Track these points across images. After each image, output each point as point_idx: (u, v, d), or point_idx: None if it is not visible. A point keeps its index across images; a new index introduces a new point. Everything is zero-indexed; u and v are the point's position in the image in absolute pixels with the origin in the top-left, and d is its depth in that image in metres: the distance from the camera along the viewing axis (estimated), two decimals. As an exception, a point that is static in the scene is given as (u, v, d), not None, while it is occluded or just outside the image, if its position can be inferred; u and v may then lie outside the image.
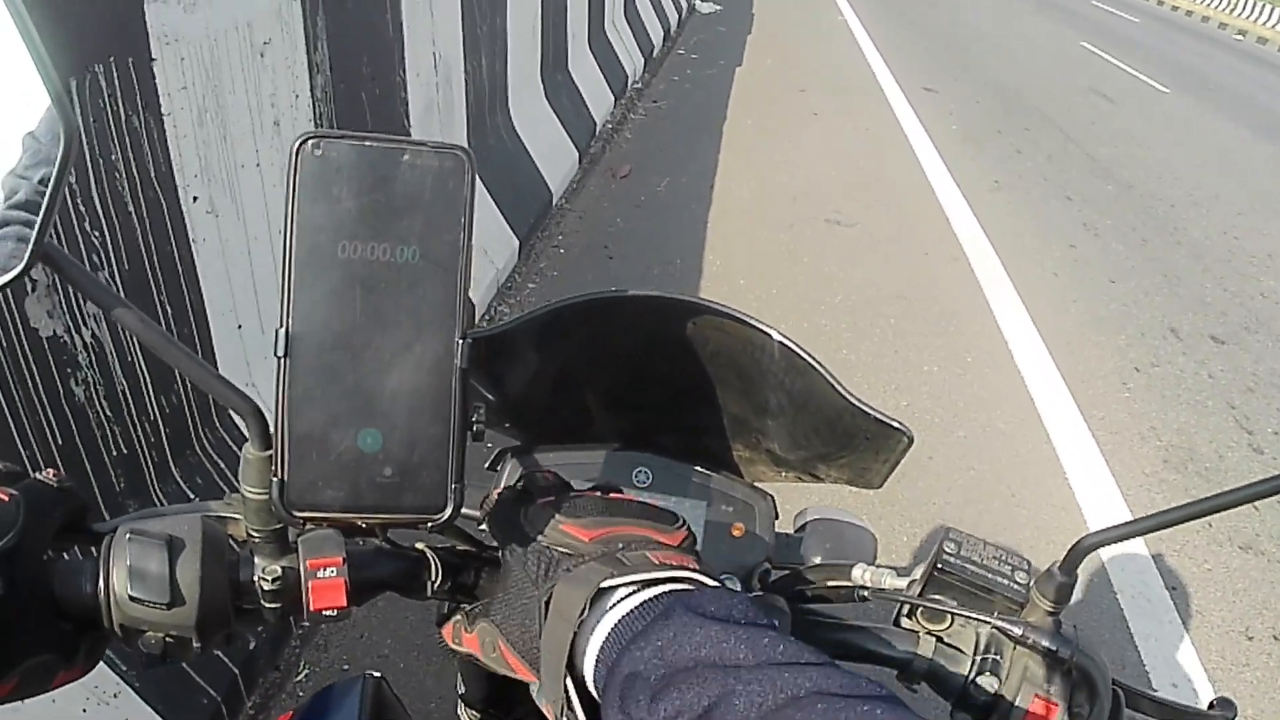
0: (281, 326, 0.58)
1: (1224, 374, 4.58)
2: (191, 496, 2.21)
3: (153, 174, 2.06)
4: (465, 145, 0.63)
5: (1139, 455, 3.84)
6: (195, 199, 2.24)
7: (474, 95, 4.18)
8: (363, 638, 2.52)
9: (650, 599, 0.59)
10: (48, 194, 0.53)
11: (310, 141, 0.58)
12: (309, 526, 0.68)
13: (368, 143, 0.59)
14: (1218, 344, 4.87)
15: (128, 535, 0.64)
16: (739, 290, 4.59)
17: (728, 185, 5.99)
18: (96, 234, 1.89)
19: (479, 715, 1.24)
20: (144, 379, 2.05)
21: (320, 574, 0.65)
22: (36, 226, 0.53)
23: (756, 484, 0.96)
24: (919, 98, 8.95)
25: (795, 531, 0.99)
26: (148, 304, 2.08)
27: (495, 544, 0.87)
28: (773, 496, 0.94)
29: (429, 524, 0.63)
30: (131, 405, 2.02)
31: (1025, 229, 6.00)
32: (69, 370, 1.82)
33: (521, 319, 0.80)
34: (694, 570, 0.63)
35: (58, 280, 1.79)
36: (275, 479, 0.60)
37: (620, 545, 0.66)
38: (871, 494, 3.26)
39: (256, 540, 0.67)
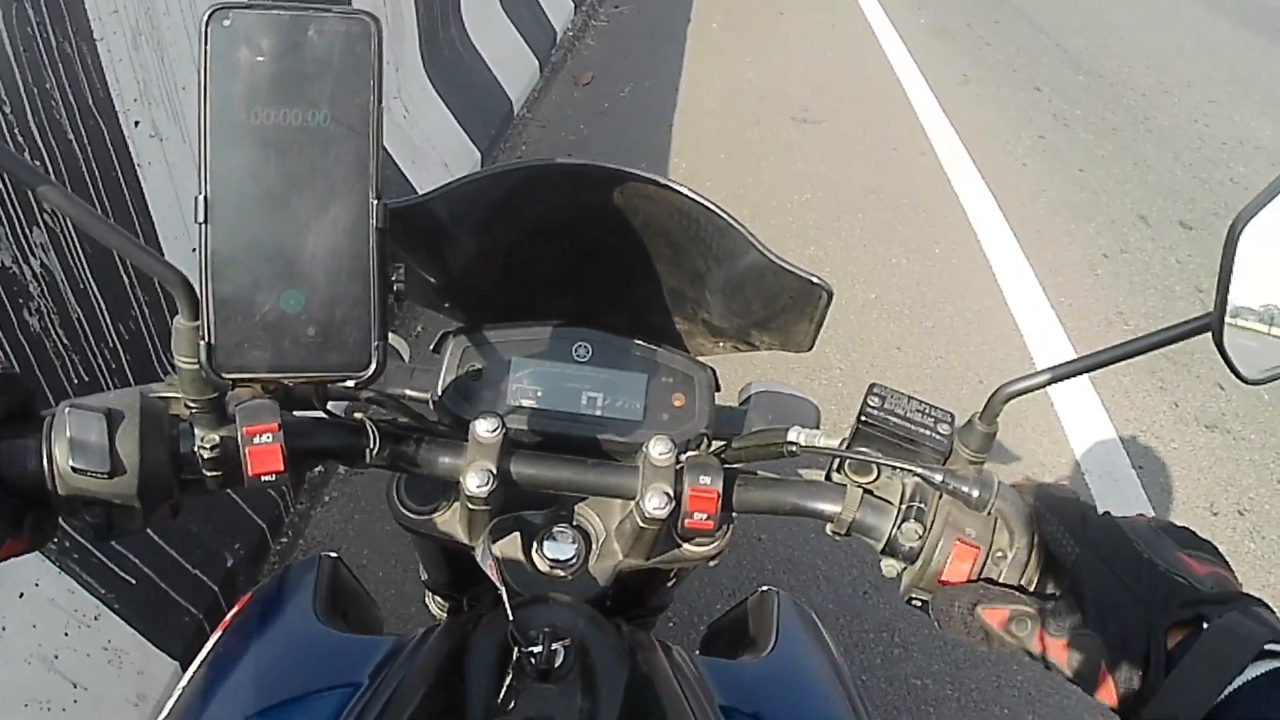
0: (200, 193, 0.60)
1: (1192, 259, 4.57)
2: None
3: (90, 101, 2.02)
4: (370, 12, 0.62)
5: (1105, 339, 3.84)
6: (137, 124, 2.20)
7: (424, 8, 4.07)
8: (341, 549, 2.51)
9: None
10: None
11: (219, 12, 0.59)
12: (252, 390, 0.70)
13: (275, 11, 0.59)
14: (1186, 229, 4.85)
15: (67, 409, 0.67)
16: (706, 191, 4.37)
17: (693, 88, 5.87)
18: (37, 163, 1.85)
19: (445, 600, 1.30)
20: (99, 306, 2.02)
21: (257, 440, 0.68)
22: None
23: (697, 357, 0.97)
24: (887, -7, 8.79)
25: (739, 405, 1.01)
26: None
27: (442, 422, 0.90)
28: (713, 369, 0.95)
29: (354, 382, 0.65)
30: (89, 332, 2.00)
31: (994, 121, 5.93)
32: (20, 301, 1.79)
33: (440, 190, 0.80)
34: None
35: (3, 211, 1.75)
36: (203, 342, 0.62)
37: (1219, 588, 0.67)
38: (840, 384, 3.26)
39: (194, 411, 0.70)
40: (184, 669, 1.95)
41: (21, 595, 1.68)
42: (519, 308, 0.95)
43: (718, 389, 0.95)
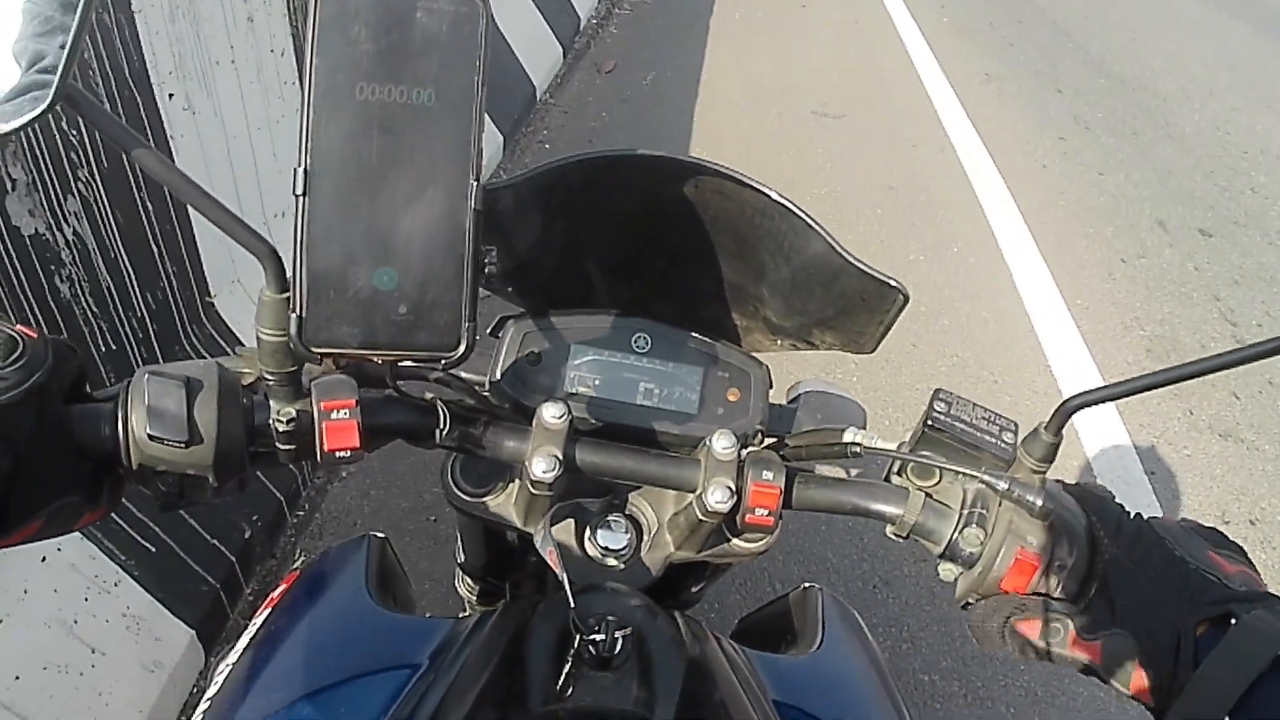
0: (300, 165, 0.60)
1: (1210, 267, 4.55)
2: None
3: (127, 72, 2.03)
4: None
5: (1122, 344, 3.84)
6: (171, 96, 2.21)
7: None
8: (356, 525, 2.54)
9: None
10: (70, 38, 0.54)
11: None
12: (324, 366, 0.70)
13: None
14: (1205, 237, 4.83)
15: (146, 376, 0.67)
16: None
17: (714, 79, 5.86)
18: (74, 133, 1.87)
19: (477, 583, 1.31)
20: (129, 275, 2.04)
21: (334, 415, 0.69)
22: (60, 69, 0.54)
23: (753, 353, 0.96)
24: (911, -10, 8.75)
25: (789, 403, 1.00)
26: (128, 201, 2.06)
27: (502, 405, 0.89)
28: (767, 366, 0.95)
29: (443, 361, 0.65)
30: (118, 301, 2.02)
31: (1015, 121, 5.91)
32: (53, 268, 1.82)
33: (528, 174, 0.80)
34: None
35: (37, 179, 1.77)
36: (294, 315, 0.61)
37: (1248, 588, 0.68)
38: (856, 380, 3.26)
39: (271, 384, 0.69)
40: (200, 638, 2.03)
41: (44, 559, 1.70)
42: (577, 295, 0.95)
43: (771, 385, 0.95)
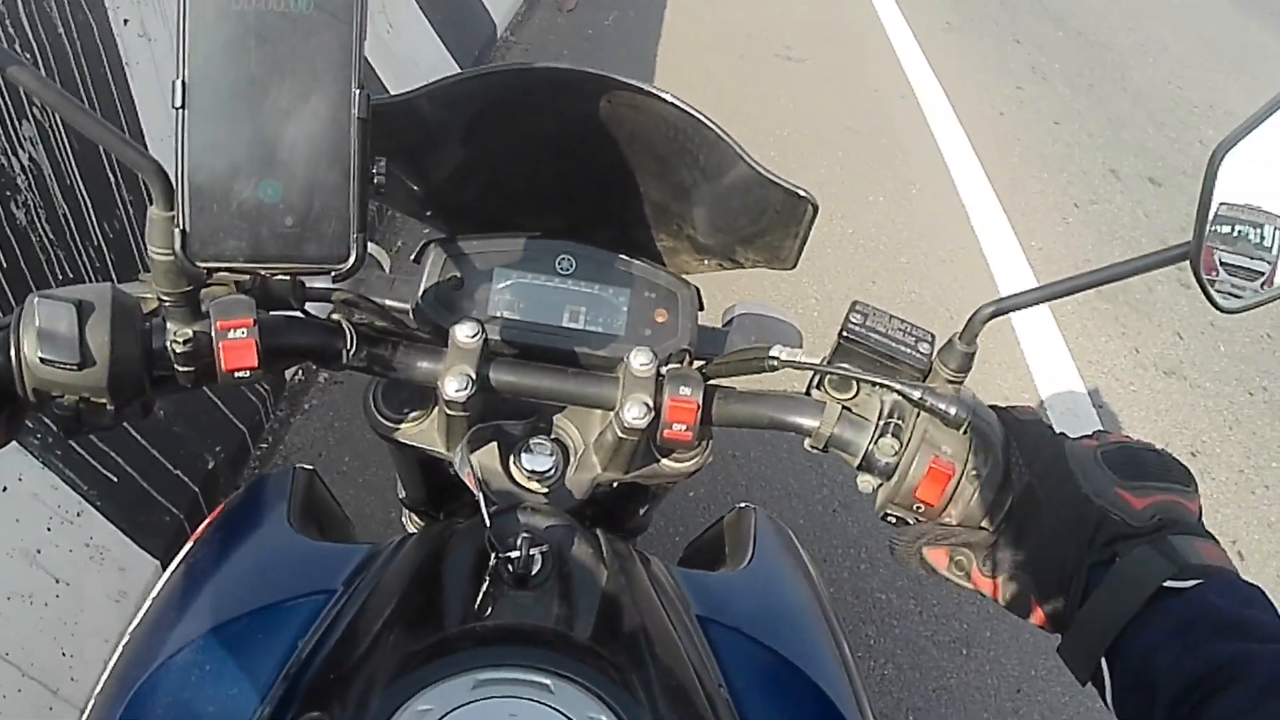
0: (178, 78, 0.59)
1: (1159, 214, 4.67)
2: None
3: None
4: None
5: (1074, 285, 3.93)
6: (126, 21, 2.18)
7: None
8: (321, 455, 2.56)
9: (1194, 591, 0.63)
10: None
11: None
12: (225, 288, 0.71)
13: None
14: (1155, 185, 4.95)
15: (36, 299, 0.66)
16: None
17: (678, 21, 5.83)
18: (28, 55, 1.83)
19: (421, 518, 1.31)
20: (85, 203, 2.01)
21: (231, 335, 0.68)
22: None
23: (682, 275, 0.96)
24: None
25: (723, 325, 1.01)
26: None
27: (421, 329, 0.89)
28: (696, 287, 0.95)
29: (333, 274, 0.64)
30: (74, 229, 1.99)
31: (974, 70, 5.96)
32: (9, 193, 1.78)
33: (428, 87, 0.79)
34: (1229, 563, 0.67)
35: None
36: (178, 230, 0.60)
37: (1160, 519, 0.68)
38: (816, 313, 3.33)
39: (168, 305, 0.68)
40: (164, 568, 2.01)
41: (4, 489, 1.68)
42: (501, 220, 0.94)
43: (701, 308, 0.95)
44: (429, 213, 0.94)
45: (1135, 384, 3.45)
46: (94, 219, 2.05)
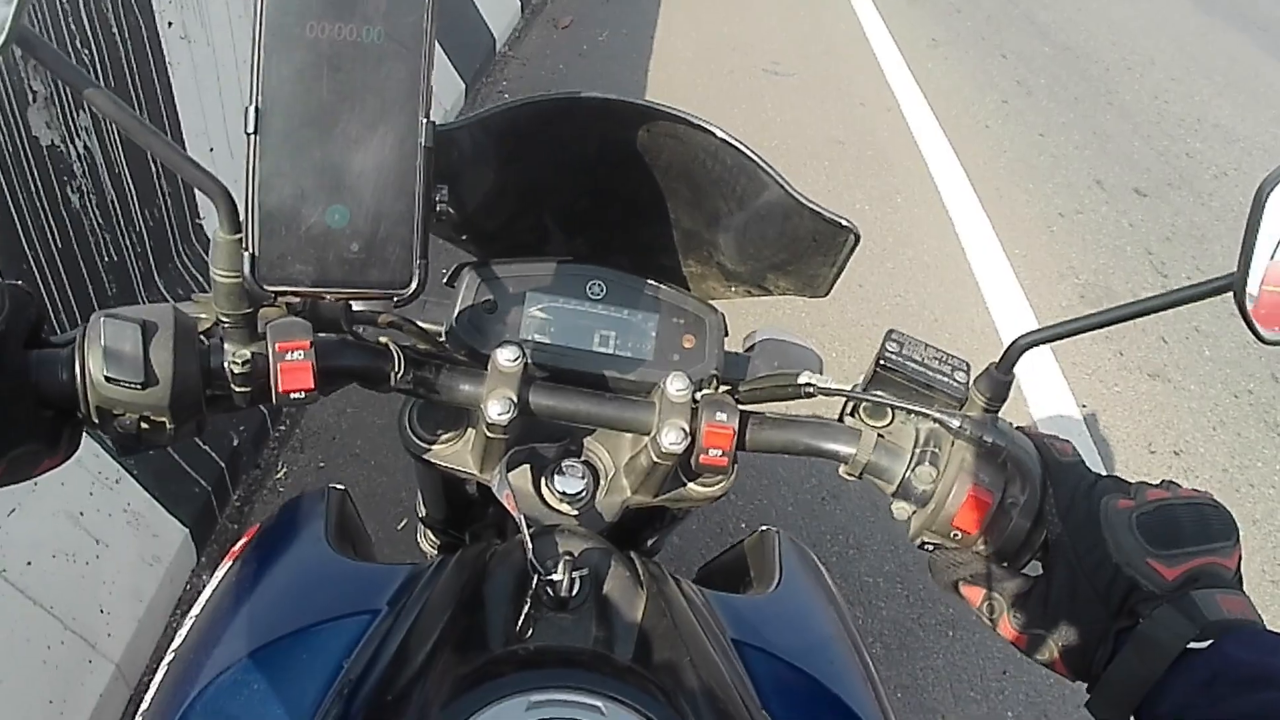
0: (251, 104, 0.60)
1: (1144, 223, 4.70)
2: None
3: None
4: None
5: (1057, 290, 3.97)
6: (170, 24, 2.30)
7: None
8: (335, 439, 2.62)
9: (1213, 648, 0.64)
10: None
11: None
12: (279, 310, 0.72)
13: None
14: (1140, 196, 4.98)
15: (102, 319, 0.67)
16: None
17: (668, 37, 5.92)
18: (86, 52, 1.96)
19: (439, 536, 1.30)
20: (130, 191, 2.14)
21: (289, 356, 0.69)
22: (13, 8, 0.54)
23: (708, 300, 0.97)
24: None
25: (745, 351, 1.00)
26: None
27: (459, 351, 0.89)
28: (723, 313, 0.95)
29: (395, 299, 0.65)
30: (120, 215, 2.11)
31: (960, 84, 6.02)
32: (65, 178, 1.91)
33: (480, 115, 0.80)
34: (1253, 614, 0.66)
35: (54, 93, 1.85)
36: (246, 253, 0.61)
37: (1194, 581, 0.67)
38: (805, 316, 3.35)
39: (227, 326, 0.69)
40: (193, 537, 2.12)
41: None
42: (531, 243, 0.95)
43: (726, 333, 0.95)
44: (464, 236, 0.94)
45: (1119, 386, 3.47)
46: (138, 207, 2.19)
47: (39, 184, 1.81)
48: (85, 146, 1.95)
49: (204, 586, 0.97)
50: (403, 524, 2.39)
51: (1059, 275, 4.08)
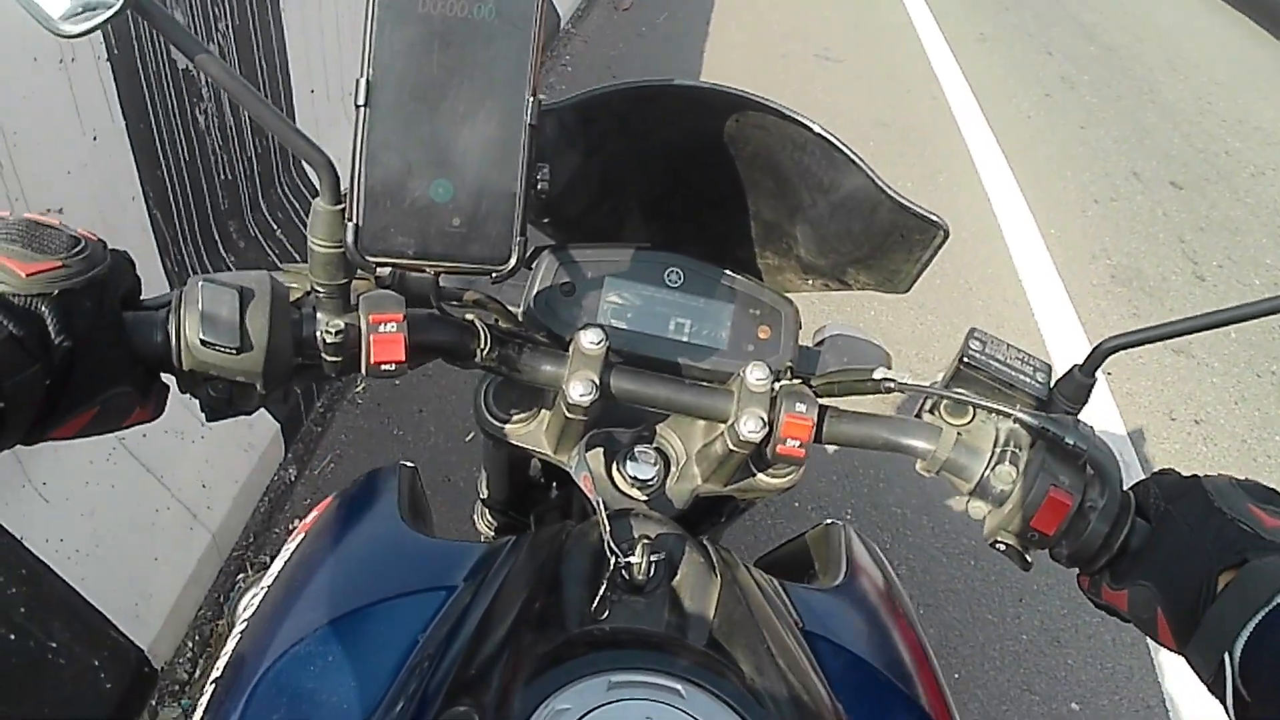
0: (362, 76, 0.60)
1: (1178, 214, 4.85)
2: (274, 228, 2.57)
3: None
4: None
5: (1088, 269, 4.14)
6: None
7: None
8: (397, 384, 2.79)
9: None
10: None
11: None
12: (370, 283, 0.74)
13: None
14: (1176, 189, 5.12)
15: (201, 283, 0.67)
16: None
17: (724, 21, 6.14)
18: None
19: (497, 518, 1.32)
20: (245, 121, 2.40)
21: (382, 329, 0.70)
22: None
23: (784, 293, 0.96)
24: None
25: (815, 345, 1.00)
26: (250, 57, 2.42)
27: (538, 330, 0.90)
28: (797, 306, 0.95)
29: (493, 275, 0.66)
30: (236, 140, 2.36)
31: (1004, 77, 6.19)
32: (195, 100, 2.16)
33: (575, 98, 0.81)
34: None
35: (190, 21, 2.10)
36: (350, 223, 0.62)
37: None
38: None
39: (321, 296, 0.69)
40: (283, 433, 2.41)
41: None
42: (611, 228, 0.96)
43: (799, 326, 0.95)
44: (546, 219, 0.95)
45: (1144, 357, 3.63)
46: (250, 135, 2.44)
47: (174, 103, 2.05)
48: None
49: (271, 551, 1.07)
50: (470, 437, 2.60)
51: (1091, 256, 4.24)
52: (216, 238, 2.33)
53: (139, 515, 1.88)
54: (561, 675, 0.65)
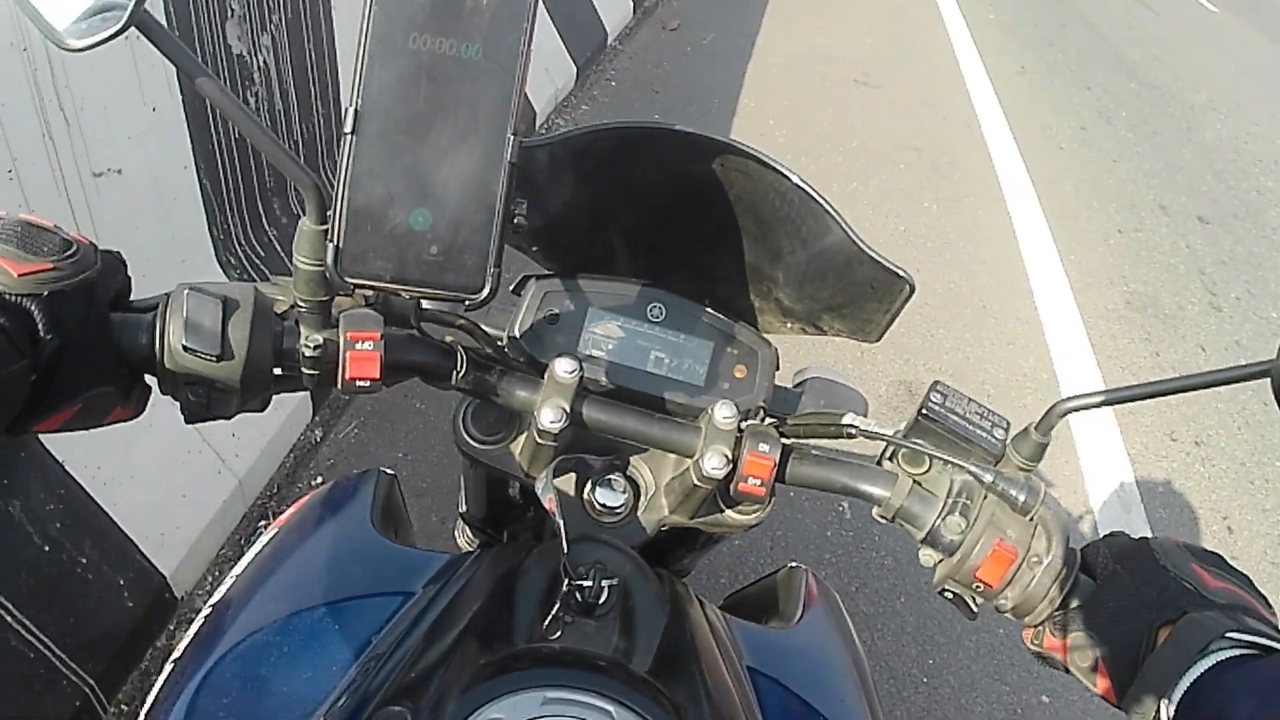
0: (351, 105, 0.63)
1: (1202, 247, 4.96)
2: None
3: None
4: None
5: (1105, 294, 4.26)
6: None
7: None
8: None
9: (1242, 658, 0.65)
10: None
11: None
12: (353, 300, 0.76)
13: None
14: (1202, 224, 5.23)
15: (186, 291, 0.70)
16: (768, 130, 5.01)
17: (768, 44, 6.36)
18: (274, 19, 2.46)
19: (476, 535, 1.35)
20: (293, 106, 2.65)
21: (359, 346, 0.72)
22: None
23: (764, 334, 0.99)
24: (963, -11, 9.16)
25: (794, 387, 1.03)
26: (300, 51, 2.63)
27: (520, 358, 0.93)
28: (776, 349, 0.98)
29: (466, 302, 0.68)
30: (284, 123, 2.60)
31: (1041, 109, 6.34)
32: (247, 84, 2.38)
33: (563, 135, 0.83)
34: None
35: (248, 12, 2.33)
36: (331, 245, 0.64)
37: (1232, 603, 0.70)
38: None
39: (303, 310, 0.72)
40: (312, 397, 2.65)
41: None
42: (600, 261, 0.98)
43: (778, 368, 0.97)
44: (535, 248, 0.97)
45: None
46: (298, 118, 2.66)
47: (227, 85, 2.23)
48: (264, 62, 2.41)
49: (254, 536, 1.09)
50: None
51: (1109, 282, 4.36)
52: (261, 211, 2.52)
53: (171, 454, 2.03)
54: (500, 686, 0.68)
